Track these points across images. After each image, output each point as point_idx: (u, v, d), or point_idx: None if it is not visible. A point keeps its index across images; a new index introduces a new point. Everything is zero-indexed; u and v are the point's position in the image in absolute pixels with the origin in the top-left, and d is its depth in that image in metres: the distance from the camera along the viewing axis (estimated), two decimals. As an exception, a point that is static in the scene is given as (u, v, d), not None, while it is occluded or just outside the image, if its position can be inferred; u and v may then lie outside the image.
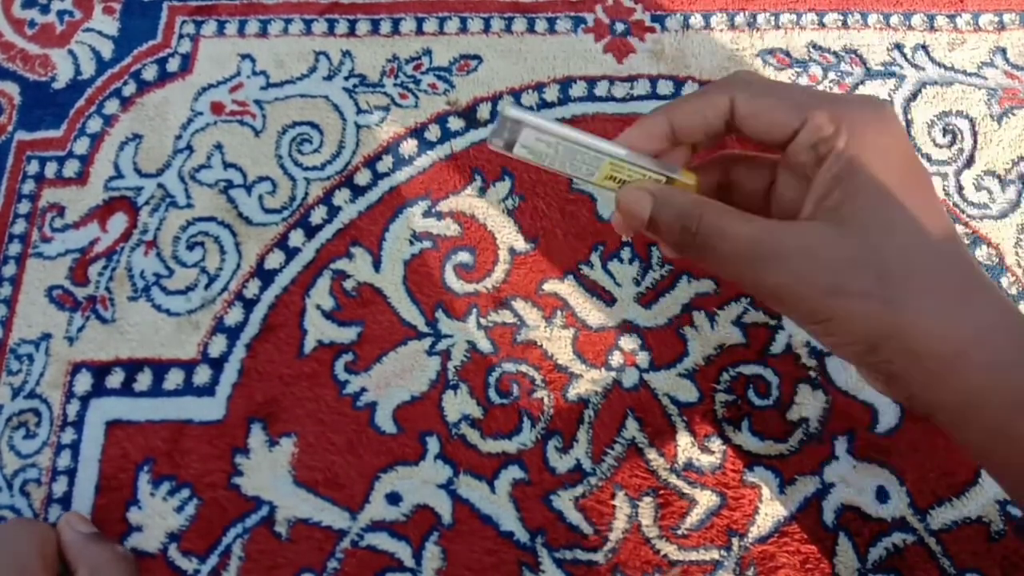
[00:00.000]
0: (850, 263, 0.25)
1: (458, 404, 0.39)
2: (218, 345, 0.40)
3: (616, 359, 0.39)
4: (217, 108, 0.45)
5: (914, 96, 0.44)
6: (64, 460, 0.39)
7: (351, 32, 0.47)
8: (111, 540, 0.37)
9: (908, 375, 0.25)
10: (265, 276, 0.41)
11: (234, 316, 0.41)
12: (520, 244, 0.42)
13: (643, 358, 0.39)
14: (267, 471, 0.38)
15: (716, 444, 0.38)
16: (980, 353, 0.25)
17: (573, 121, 0.44)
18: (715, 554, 0.36)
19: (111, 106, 0.46)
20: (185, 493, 0.38)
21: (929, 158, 0.43)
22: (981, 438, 0.26)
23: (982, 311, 0.25)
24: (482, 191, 0.43)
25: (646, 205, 0.28)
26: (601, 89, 0.45)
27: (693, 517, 0.37)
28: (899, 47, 0.45)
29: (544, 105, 0.44)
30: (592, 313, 0.40)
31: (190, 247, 0.42)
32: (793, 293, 0.25)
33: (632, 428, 0.38)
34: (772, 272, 0.25)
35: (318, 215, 0.43)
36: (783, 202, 0.28)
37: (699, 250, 0.27)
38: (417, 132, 0.44)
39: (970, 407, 0.25)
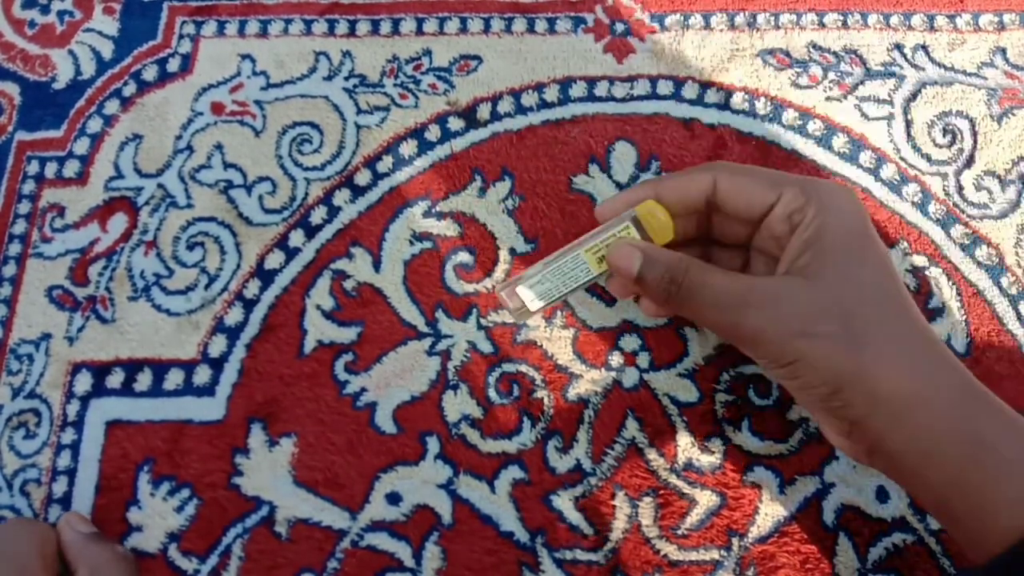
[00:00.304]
0: (817, 310, 0.28)
1: (458, 404, 0.39)
2: (218, 345, 0.40)
3: (616, 359, 0.39)
4: (217, 108, 0.45)
5: (914, 96, 0.44)
6: (64, 460, 0.39)
7: (351, 32, 0.47)
8: (111, 540, 0.37)
9: (868, 420, 0.27)
10: (265, 276, 0.41)
11: (234, 316, 0.41)
12: (520, 244, 0.42)
13: (643, 358, 0.39)
14: (267, 471, 0.38)
15: (716, 444, 0.38)
16: (935, 401, 0.26)
17: (574, 121, 0.44)
18: (715, 554, 0.36)
19: (111, 106, 0.46)
20: (185, 493, 0.38)
21: (929, 158, 0.43)
22: (937, 489, 0.27)
23: (934, 362, 0.28)
24: (482, 191, 0.43)
25: (636, 261, 0.30)
26: (601, 89, 0.45)
27: (693, 517, 0.37)
28: (899, 47, 0.45)
29: (544, 105, 0.44)
30: (592, 313, 0.40)
31: (190, 247, 0.42)
32: (765, 336, 0.28)
33: (632, 428, 0.38)
34: (747, 317, 0.28)
35: (318, 215, 0.43)
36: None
37: (683, 299, 0.30)
38: (417, 132, 0.44)
39: (927, 455, 0.27)
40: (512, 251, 0.41)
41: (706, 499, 0.37)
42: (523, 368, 0.39)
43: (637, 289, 0.32)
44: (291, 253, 0.42)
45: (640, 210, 0.32)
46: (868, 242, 0.29)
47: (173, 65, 0.46)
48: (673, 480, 0.37)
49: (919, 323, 0.28)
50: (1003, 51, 0.45)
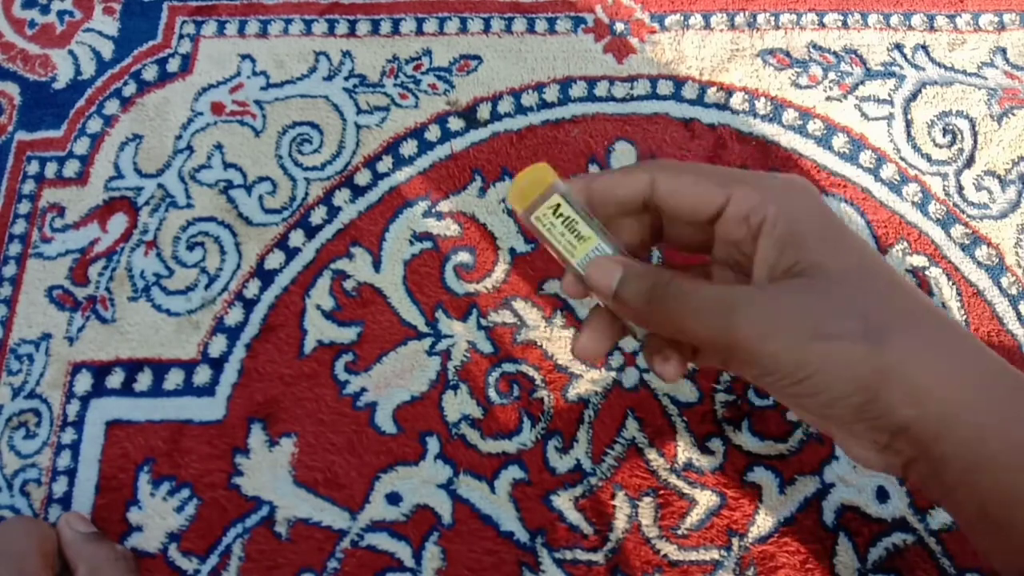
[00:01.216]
0: (830, 308, 0.24)
1: (458, 404, 0.39)
2: (218, 345, 0.40)
3: (616, 359, 0.39)
4: (217, 108, 0.45)
5: (914, 96, 0.44)
6: (64, 460, 0.39)
7: (351, 32, 0.47)
8: (110, 539, 0.37)
9: (916, 425, 0.23)
10: (265, 276, 0.41)
11: (234, 316, 0.41)
12: (520, 244, 0.42)
13: (643, 358, 0.39)
14: (267, 471, 0.38)
15: (716, 444, 0.38)
16: (984, 396, 0.23)
17: (574, 121, 0.44)
18: (715, 554, 0.36)
19: (111, 106, 0.46)
20: (185, 493, 0.38)
21: (929, 158, 0.43)
22: (984, 495, 0.24)
23: (969, 352, 0.24)
24: (482, 191, 0.43)
25: (615, 276, 0.26)
26: (601, 89, 0.45)
27: (693, 517, 0.37)
28: (899, 47, 0.45)
29: (544, 105, 0.44)
30: (592, 313, 0.40)
31: (190, 247, 0.42)
32: (771, 342, 0.24)
33: (632, 428, 0.38)
34: (748, 321, 0.24)
35: (318, 215, 0.43)
36: None
37: (667, 308, 0.25)
38: (417, 132, 0.44)
39: (977, 458, 0.23)
40: (512, 251, 0.41)
41: (706, 499, 0.37)
42: (523, 368, 0.39)
43: (615, 308, 0.27)
44: (291, 253, 0.42)
45: (525, 188, 0.27)
46: (844, 229, 0.26)
47: (173, 65, 0.47)
48: (673, 480, 0.37)
49: (935, 308, 0.25)
50: (1003, 51, 0.45)
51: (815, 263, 0.24)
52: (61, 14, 0.49)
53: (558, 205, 0.27)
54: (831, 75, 0.45)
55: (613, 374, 0.39)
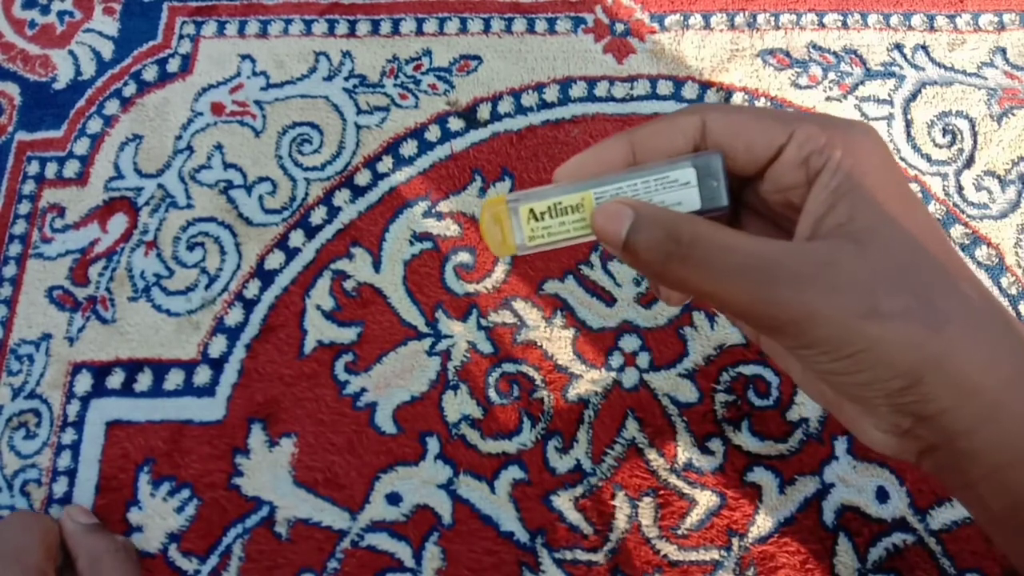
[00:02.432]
0: (882, 281, 0.21)
1: (458, 404, 0.39)
2: (218, 345, 0.40)
3: (616, 359, 0.39)
4: (217, 108, 0.45)
5: (914, 96, 0.44)
6: (64, 460, 0.39)
7: (351, 33, 0.47)
8: (111, 531, 0.37)
9: (948, 415, 0.22)
10: (265, 276, 0.41)
11: (234, 316, 0.41)
12: (520, 244, 0.42)
13: (643, 358, 0.39)
14: (267, 471, 0.38)
15: (716, 444, 0.38)
16: None
17: (574, 121, 0.44)
18: (715, 554, 0.36)
19: (111, 106, 0.46)
20: (185, 493, 0.38)
21: (929, 158, 0.43)
22: (1014, 493, 0.22)
23: (1014, 337, 0.22)
24: (482, 191, 0.43)
25: (625, 222, 0.23)
26: (601, 89, 0.45)
27: (693, 517, 0.37)
28: (899, 47, 0.45)
29: (544, 105, 0.44)
30: (592, 313, 0.40)
31: (190, 247, 0.42)
32: (818, 318, 0.21)
33: (632, 428, 0.38)
34: (791, 293, 0.21)
35: (318, 215, 0.43)
36: None
37: (689, 266, 0.22)
38: (417, 132, 0.44)
39: (1013, 454, 0.22)
40: (512, 251, 0.41)
41: (706, 499, 0.37)
42: (523, 368, 0.39)
43: (629, 262, 0.24)
44: (291, 253, 0.42)
45: (499, 234, 0.24)
46: (908, 189, 0.23)
47: (173, 65, 0.47)
48: (673, 480, 0.37)
49: (983, 288, 0.23)
50: (1003, 51, 0.45)
51: (868, 227, 0.22)
52: (61, 14, 0.49)
53: (530, 210, 0.24)
54: (831, 75, 0.45)
55: (613, 374, 0.39)
